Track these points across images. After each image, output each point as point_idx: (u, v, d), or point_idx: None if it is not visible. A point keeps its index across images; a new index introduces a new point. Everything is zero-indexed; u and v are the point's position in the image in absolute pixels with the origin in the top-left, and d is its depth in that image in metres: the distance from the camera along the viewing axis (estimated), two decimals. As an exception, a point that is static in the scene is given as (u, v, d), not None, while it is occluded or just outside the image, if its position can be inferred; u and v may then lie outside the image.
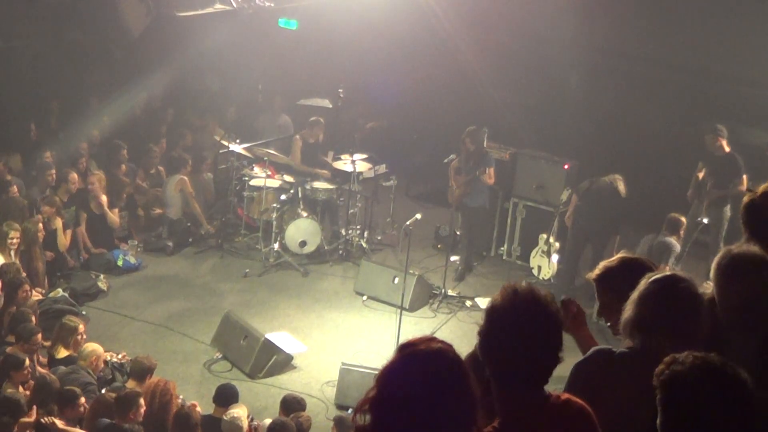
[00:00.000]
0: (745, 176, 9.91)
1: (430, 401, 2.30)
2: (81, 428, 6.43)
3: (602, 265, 3.62)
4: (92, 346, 7.54)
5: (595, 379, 3.15)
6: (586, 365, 3.24)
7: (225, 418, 6.54)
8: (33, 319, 7.96)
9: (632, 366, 3.09)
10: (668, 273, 3.22)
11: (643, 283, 3.16)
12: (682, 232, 9.55)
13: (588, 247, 10.18)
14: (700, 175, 10.32)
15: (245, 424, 6.50)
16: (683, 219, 9.56)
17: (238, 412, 6.56)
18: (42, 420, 6.20)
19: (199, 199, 11.90)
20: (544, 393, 2.73)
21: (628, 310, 3.15)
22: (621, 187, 9.94)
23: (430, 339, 2.44)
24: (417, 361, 2.37)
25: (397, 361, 2.39)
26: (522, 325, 2.64)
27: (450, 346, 2.42)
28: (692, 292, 3.13)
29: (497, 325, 2.68)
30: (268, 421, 6.58)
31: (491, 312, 2.69)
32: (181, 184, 11.55)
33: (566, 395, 2.80)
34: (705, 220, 10.25)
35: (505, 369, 2.68)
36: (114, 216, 10.83)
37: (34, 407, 6.49)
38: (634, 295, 3.15)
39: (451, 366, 2.38)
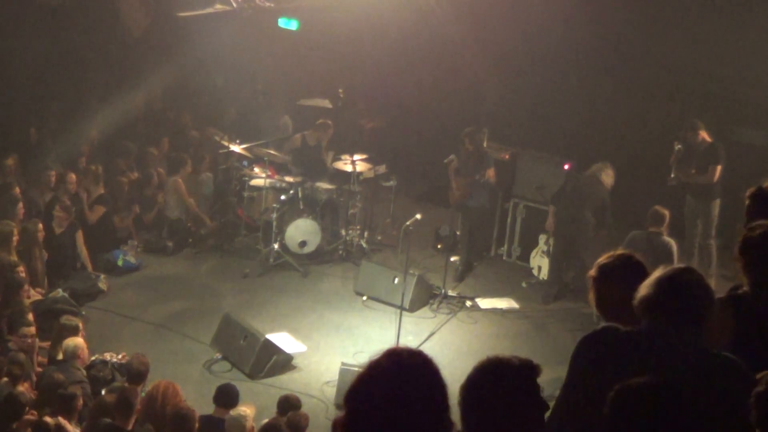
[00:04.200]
0: (719, 167, 9.96)
1: (400, 401, 2.35)
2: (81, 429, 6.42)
3: (599, 263, 3.69)
4: (74, 341, 7.46)
5: (599, 355, 3.22)
6: (592, 341, 3.30)
7: (231, 413, 6.54)
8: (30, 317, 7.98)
9: (637, 345, 3.17)
10: (686, 266, 3.36)
11: (662, 269, 3.29)
12: (665, 224, 9.07)
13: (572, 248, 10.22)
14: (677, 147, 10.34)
15: (249, 423, 6.50)
16: (666, 212, 9.06)
17: (245, 410, 6.56)
18: (46, 419, 6.19)
19: (199, 199, 11.92)
20: None
21: (642, 290, 3.26)
22: (605, 177, 9.94)
23: (395, 352, 2.45)
24: (383, 376, 2.40)
25: (362, 378, 2.42)
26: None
27: (419, 355, 2.43)
28: (704, 284, 3.25)
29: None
30: (266, 422, 6.58)
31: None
32: (174, 185, 11.56)
33: None
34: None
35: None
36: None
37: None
38: (652, 277, 3.28)
39: (415, 363, 2.41)
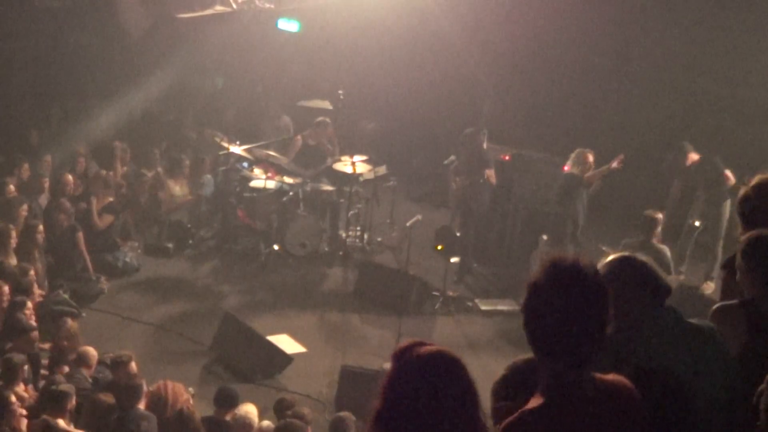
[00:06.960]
0: (726, 171, 10.03)
1: (434, 405, 2.37)
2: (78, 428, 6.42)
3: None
4: (85, 349, 7.48)
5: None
6: None
7: (237, 412, 6.55)
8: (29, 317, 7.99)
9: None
10: (622, 256, 3.40)
11: (601, 264, 3.32)
12: (658, 230, 9.02)
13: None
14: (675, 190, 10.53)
15: (256, 422, 6.52)
16: (659, 216, 8.99)
17: (249, 411, 6.57)
18: (45, 418, 6.20)
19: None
20: (590, 374, 2.54)
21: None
22: (581, 170, 9.93)
23: (421, 343, 2.46)
24: (417, 367, 2.45)
25: (396, 369, 2.43)
26: (562, 299, 2.48)
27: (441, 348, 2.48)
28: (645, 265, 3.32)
29: (536, 299, 2.57)
30: (266, 423, 6.58)
31: (532, 286, 2.57)
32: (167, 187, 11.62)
33: (612, 375, 2.62)
34: (697, 223, 10.35)
35: (547, 346, 2.55)
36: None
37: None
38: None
39: (449, 366, 2.48)
